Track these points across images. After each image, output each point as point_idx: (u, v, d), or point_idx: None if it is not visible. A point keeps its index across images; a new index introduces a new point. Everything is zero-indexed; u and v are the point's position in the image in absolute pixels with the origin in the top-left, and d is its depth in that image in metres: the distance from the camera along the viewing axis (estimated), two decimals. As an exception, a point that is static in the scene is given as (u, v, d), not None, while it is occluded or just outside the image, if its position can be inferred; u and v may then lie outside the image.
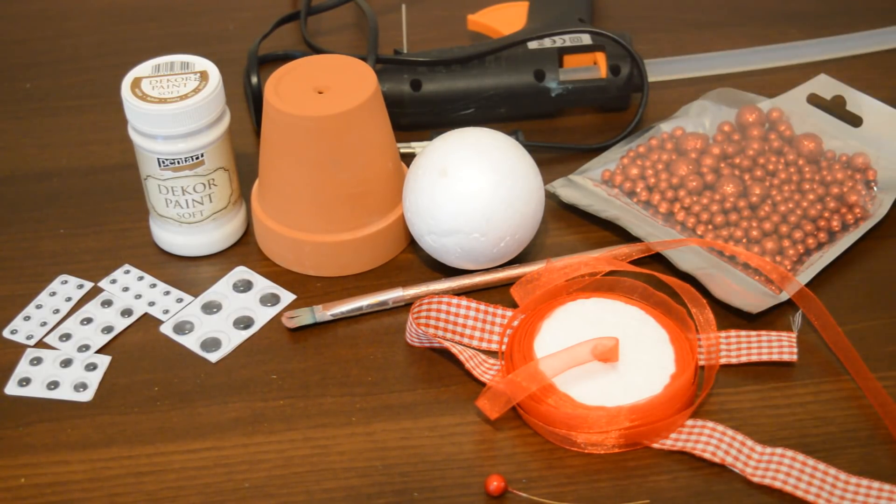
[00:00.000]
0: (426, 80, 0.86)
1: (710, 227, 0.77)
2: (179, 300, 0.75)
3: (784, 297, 0.73)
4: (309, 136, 0.72)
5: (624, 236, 0.78)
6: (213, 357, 0.72)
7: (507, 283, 0.74)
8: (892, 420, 0.66)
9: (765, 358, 0.70)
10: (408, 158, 0.82)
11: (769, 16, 0.99)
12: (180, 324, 0.74)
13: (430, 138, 0.84)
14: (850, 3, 1.00)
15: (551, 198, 0.81)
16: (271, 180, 0.76)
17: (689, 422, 0.66)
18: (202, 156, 0.74)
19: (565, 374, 0.67)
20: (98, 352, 0.72)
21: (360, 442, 0.67)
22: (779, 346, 0.70)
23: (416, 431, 0.67)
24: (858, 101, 0.83)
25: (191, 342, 0.73)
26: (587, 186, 0.80)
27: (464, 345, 0.71)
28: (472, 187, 0.71)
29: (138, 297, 0.76)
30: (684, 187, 0.79)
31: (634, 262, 0.74)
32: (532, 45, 0.87)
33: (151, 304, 0.75)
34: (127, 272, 0.77)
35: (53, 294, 0.76)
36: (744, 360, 0.70)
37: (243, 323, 0.74)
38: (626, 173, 0.80)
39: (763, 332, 0.71)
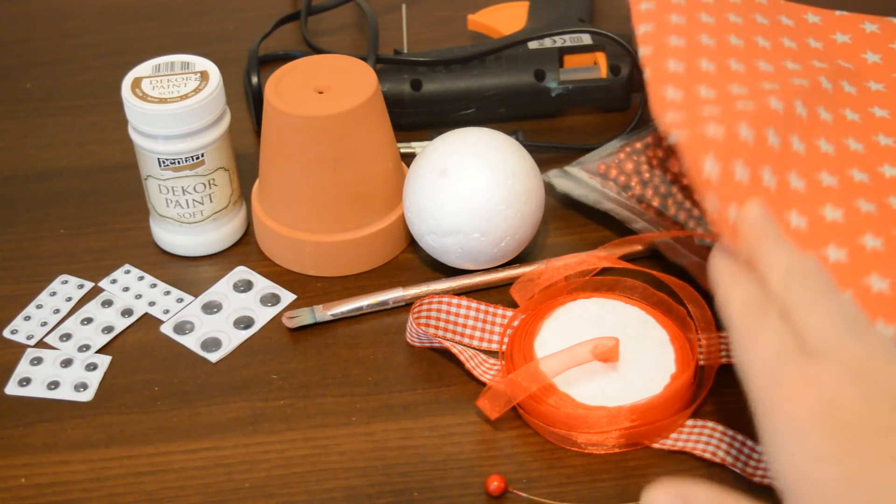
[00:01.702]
0: (426, 80, 0.86)
1: (701, 221, 0.77)
2: (180, 300, 0.75)
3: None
4: (309, 136, 0.72)
5: (622, 233, 0.78)
6: (214, 357, 0.72)
7: (507, 283, 0.74)
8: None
9: (765, 358, 0.70)
10: (408, 158, 0.82)
11: (769, 16, 0.99)
12: (180, 324, 0.74)
13: (430, 138, 0.84)
14: (851, 3, 1.00)
15: (545, 188, 0.80)
16: (271, 180, 0.76)
17: (690, 422, 0.66)
18: (202, 156, 0.74)
19: (565, 374, 0.67)
20: (98, 352, 0.72)
21: (360, 442, 0.67)
22: (779, 345, 0.70)
23: (416, 431, 0.67)
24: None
25: (191, 342, 0.73)
26: (582, 178, 0.80)
27: (464, 345, 0.71)
28: (473, 187, 0.71)
29: (138, 297, 0.76)
30: (677, 183, 0.79)
31: (634, 261, 0.74)
32: (532, 45, 0.87)
33: (152, 303, 0.75)
34: (127, 272, 0.77)
35: (54, 294, 0.76)
36: (744, 360, 0.70)
37: (243, 323, 0.74)
38: (622, 167, 0.80)
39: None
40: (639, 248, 0.76)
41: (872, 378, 0.50)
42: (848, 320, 0.53)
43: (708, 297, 0.72)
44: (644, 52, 0.72)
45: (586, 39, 0.88)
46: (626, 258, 0.75)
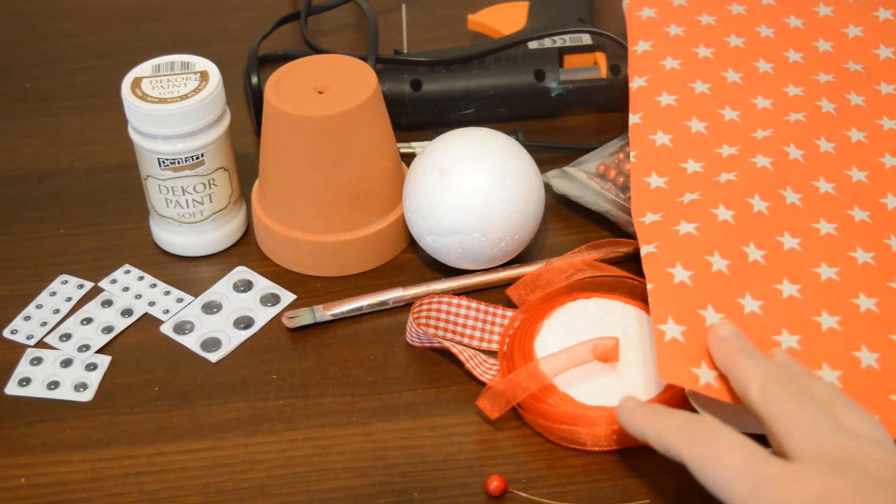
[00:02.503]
0: (426, 80, 0.86)
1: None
2: (180, 300, 0.75)
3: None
4: (309, 136, 0.72)
5: (622, 234, 0.78)
6: (214, 357, 0.72)
7: (507, 283, 0.74)
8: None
9: (765, 358, 0.70)
10: (408, 158, 0.82)
11: (769, 16, 0.99)
12: (180, 324, 0.74)
13: (430, 138, 0.84)
14: None
15: (544, 188, 0.81)
16: (271, 180, 0.76)
17: (689, 422, 0.66)
18: (202, 156, 0.74)
19: (565, 374, 0.67)
20: (98, 352, 0.72)
21: (360, 442, 0.67)
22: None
23: (416, 431, 0.67)
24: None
25: (191, 342, 0.73)
26: (581, 179, 0.80)
27: (464, 345, 0.71)
28: (472, 187, 0.71)
29: (138, 296, 0.76)
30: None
31: (632, 261, 0.74)
32: (532, 45, 0.87)
33: (152, 303, 0.75)
34: (127, 272, 0.77)
35: (54, 294, 0.76)
36: (744, 360, 0.70)
37: (243, 323, 0.74)
38: (621, 168, 0.80)
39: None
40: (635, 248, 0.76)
41: (859, 465, 0.53)
42: (830, 415, 0.56)
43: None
44: (633, 120, 0.75)
45: (586, 39, 0.88)
46: (625, 258, 0.75)
